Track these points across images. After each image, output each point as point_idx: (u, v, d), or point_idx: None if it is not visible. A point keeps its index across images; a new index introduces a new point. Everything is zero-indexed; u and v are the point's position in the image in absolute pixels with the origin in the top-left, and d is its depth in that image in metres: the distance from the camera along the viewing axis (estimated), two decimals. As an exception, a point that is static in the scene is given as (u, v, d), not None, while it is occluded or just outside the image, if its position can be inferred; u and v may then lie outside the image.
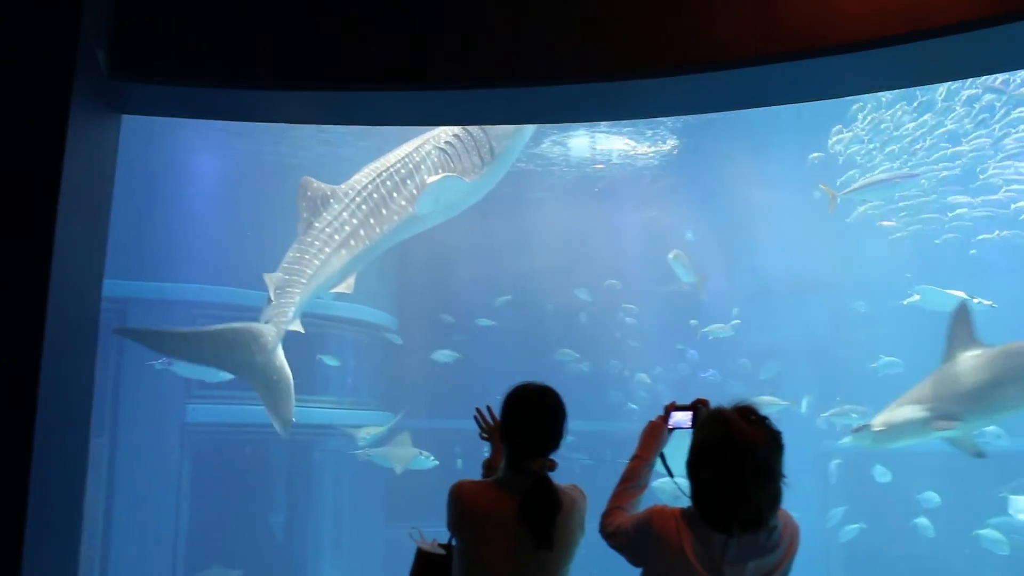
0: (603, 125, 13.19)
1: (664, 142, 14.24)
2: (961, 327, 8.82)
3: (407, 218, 10.67)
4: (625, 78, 4.87)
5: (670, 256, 12.86)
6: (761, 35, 4.60)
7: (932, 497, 12.25)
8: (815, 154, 13.31)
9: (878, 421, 8.86)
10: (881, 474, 12.45)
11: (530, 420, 3.34)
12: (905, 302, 12.15)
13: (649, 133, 13.87)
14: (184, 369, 11.39)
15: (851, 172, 13.06)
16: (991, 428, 10.21)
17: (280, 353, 10.12)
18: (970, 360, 8.54)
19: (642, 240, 14.45)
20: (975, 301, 10.72)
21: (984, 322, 9.02)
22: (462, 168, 10.63)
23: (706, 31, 4.64)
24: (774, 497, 2.89)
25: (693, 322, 14.67)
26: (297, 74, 4.99)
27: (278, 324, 10.13)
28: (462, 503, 3.32)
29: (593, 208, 15.13)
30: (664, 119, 13.20)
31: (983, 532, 11.47)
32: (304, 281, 10.32)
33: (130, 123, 5.34)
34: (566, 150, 14.27)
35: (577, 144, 14.11)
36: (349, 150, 13.73)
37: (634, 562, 3.13)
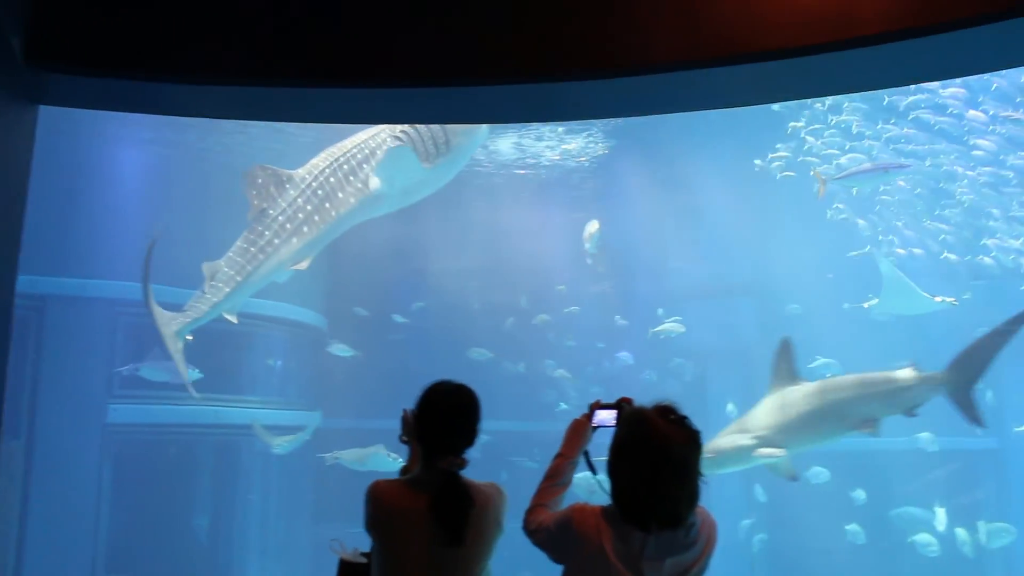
0: (534, 126, 13.25)
1: (597, 144, 14.36)
2: (784, 362, 9.52)
3: (362, 201, 10.85)
4: (553, 80, 4.89)
5: (591, 227, 12.83)
6: (685, 40, 4.66)
7: (860, 495, 12.53)
8: (759, 160, 13.58)
9: (708, 448, 9.13)
10: (816, 475, 12.65)
11: (440, 418, 3.36)
12: (866, 304, 12.42)
13: (584, 134, 13.98)
14: (155, 372, 11.67)
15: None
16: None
17: (181, 335, 10.88)
18: (792, 393, 9.29)
19: (572, 241, 14.56)
20: (937, 300, 11.18)
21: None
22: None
23: (631, 35, 4.69)
24: (692, 495, 2.93)
25: (622, 322, 14.79)
26: (221, 68, 4.89)
27: (187, 314, 10.88)
28: (376, 502, 3.34)
29: (524, 209, 15.19)
30: (597, 121, 13.33)
31: (917, 538, 11.81)
32: (250, 269, 10.71)
33: (51, 115, 5.17)
34: (493, 152, 14.33)
35: (505, 145, 14.17)
36: (281, 145, 13.56)
37: (556, 559, 3.15)
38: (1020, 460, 12.51)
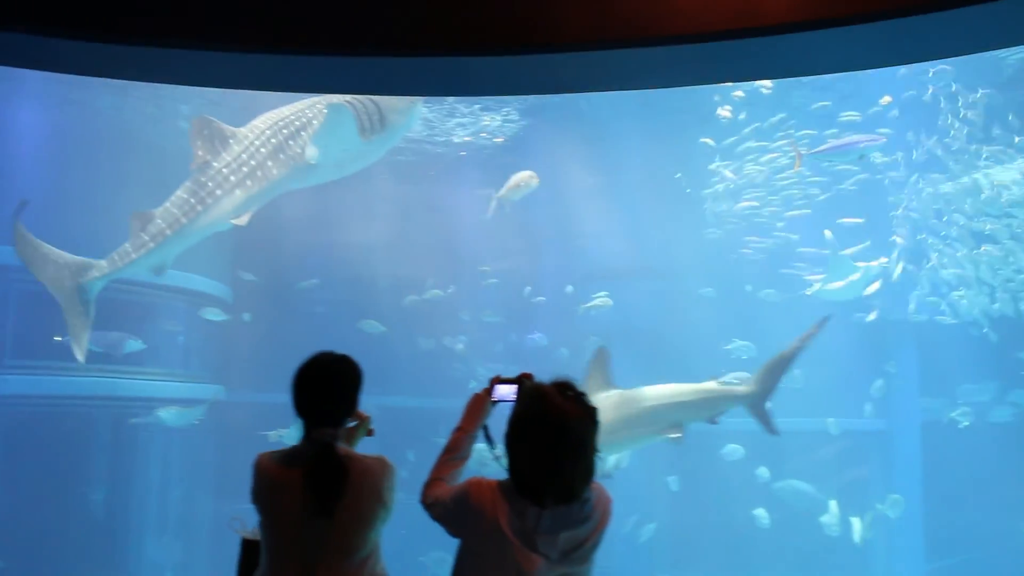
0: (446, 102, 13.16)
1: (513, 122, 14.34)
2: (598, 369, 9.86)
3: (298, 167, 11.06)
4: (463, 54, 4.87)
5: (528, 180, 12.63)
6: (595, 20, 4.69)
7: (764, 473, 12.86)
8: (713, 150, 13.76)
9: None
10: (732, 451, 12.91)
11: (309, 388, 3.39)
12: (809, 291, 12.71)
13: (503, 111, 13.94)
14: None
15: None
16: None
17: (94, 287, 10.66)
18: (605, 400, 9.55)
19: (481, 218, 14.59)
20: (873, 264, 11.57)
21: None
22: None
23: (542, 12, 4.69)
24: (587, 471, 2.97)
25: (540, 299, 14.77)
26: (117, 27, 4.70)
27: (112, 262, 10.74)
28: (257, 474, 3.37)
29: (433, 185, 15.10)
30: (513, 99, 13.31)
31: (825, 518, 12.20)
32: (184, 222, 10.77)
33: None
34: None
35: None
36: (155, 109, 13.17)
37: (452, 533, 3.17)
38: (904, 440, 13.15)
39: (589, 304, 14.16)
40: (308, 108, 11.25)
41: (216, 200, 10.88)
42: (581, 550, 2.98)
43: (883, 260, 12.13)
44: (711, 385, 9.53)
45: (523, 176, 12.40)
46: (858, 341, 13.20)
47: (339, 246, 14.64)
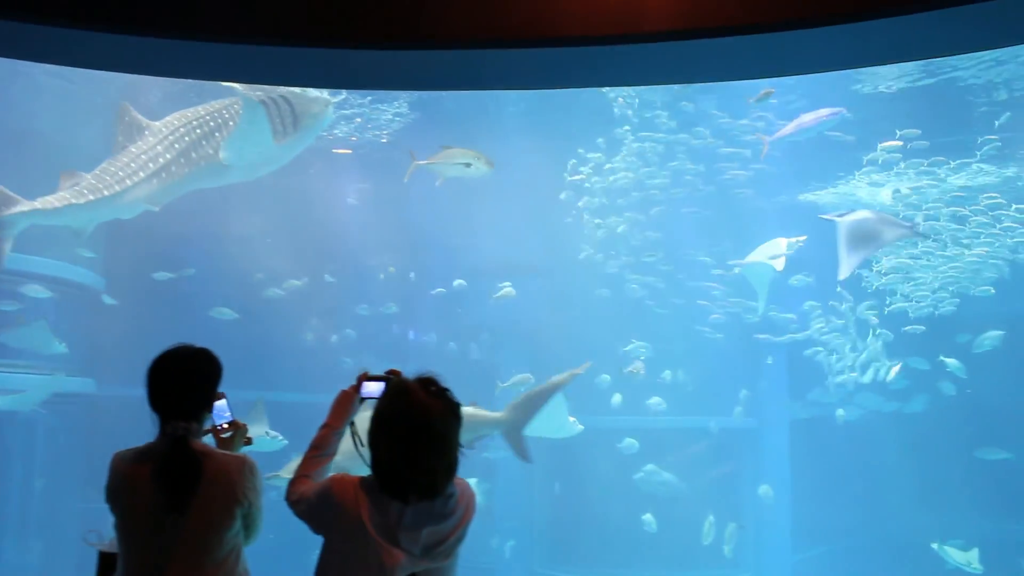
0: (340, 94, 12.94)
1: (404, 117, 14.22)
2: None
3: (213, 166, 11.22)
4: (347, 46, 4.81)
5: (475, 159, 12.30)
6: (481, 19, 4.70)
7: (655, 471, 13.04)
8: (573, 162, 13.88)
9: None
10: (628, 446, 13.02)
11: (165, 380, 3.32)
12: (737, 270, 12.88)
13: (394, 105, 13.79)
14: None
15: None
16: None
17: (16, 221, 10.74)
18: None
19: (363, 210, 14.42)
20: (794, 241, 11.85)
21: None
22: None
23: (428, 7, 4.67)
24: (450, 466, 2.97)
25: (439, 290, 14.59)
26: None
27: (38, 204, 10.79)
28: (111, 473, 3.29)
29: (317, 178, 14.81)
30: (403, 93, 13.20)
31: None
32: (107, 193, 10.92)
33: None
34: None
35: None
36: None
37: (316, 530, 3.12)
38: (772, 438, 13.70)
39: (498, 295, 14.01)
40: (224, 109, 11.34)
41: (134, 184, 11.05)
42: (444, 545, 2.97)
43: (802, 238, 12.34)
44: (469, 409, 9.47)
45: (465, 152, 11.94)
46: (734, 341, 13.63)
47: (219, 238, 14.21)
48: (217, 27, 4.79)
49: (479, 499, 3.17)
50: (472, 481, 3.19)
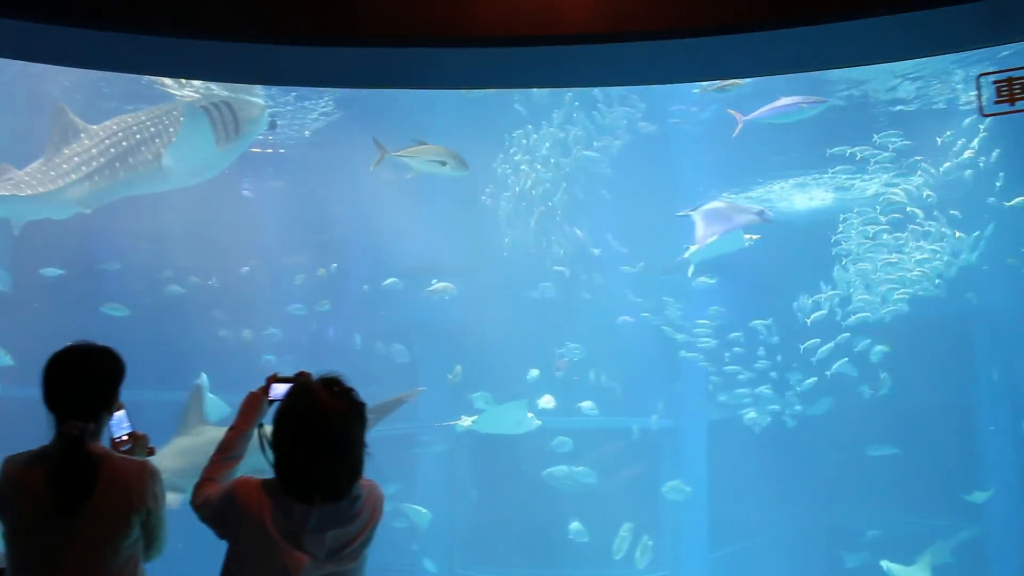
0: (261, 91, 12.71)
1: (330, 115, 14.01)
2: (194, 406, 9.91)
3: (151, 171, 11.14)
4: (265, 42, 4.73)
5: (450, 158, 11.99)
6: (399, 17, 4.67)
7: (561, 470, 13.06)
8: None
9: None
10: (561, 443, 13.01)
11: (61, 377, 3.18)
12: (687, 254, 12.89)
13: (321, 102, 13.57)
14: None
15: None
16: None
17: None
18: (196, 438, 9.45)
19: (283, 210, 14.15)
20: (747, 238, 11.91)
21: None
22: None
23: (346, 5, 4.62)
24: (354, 467, 2.92)
25: (367, 287, 14.38)
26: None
27: None
28: (1, 477, 3.11)
29: (238, 174, 14.48)
30: (330, 91, 13.00)
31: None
32: (40, 190, 10.84)
33: None
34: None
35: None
36: None
37: (220, 535, 3.03)
38: (690, 437, 13.92)
39: (432, 288, 13.79)
40: (164, 115, 11.32)
41: (66, 185, 10.99)
42: (350, 548, 2.93)
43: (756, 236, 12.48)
44: None
45: (440, 151, 11.63)
46: (655, 343, 13.81)
47: (133, 235, 13.79)
48: (133, 18, 4.67)
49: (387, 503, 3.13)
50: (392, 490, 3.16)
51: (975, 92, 5.48)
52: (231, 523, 2.97)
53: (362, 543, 2.97)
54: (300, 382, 3.02)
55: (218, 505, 3.02)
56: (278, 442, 2.92)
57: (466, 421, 12.55)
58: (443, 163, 11.27)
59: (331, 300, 14.46)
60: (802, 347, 13.34)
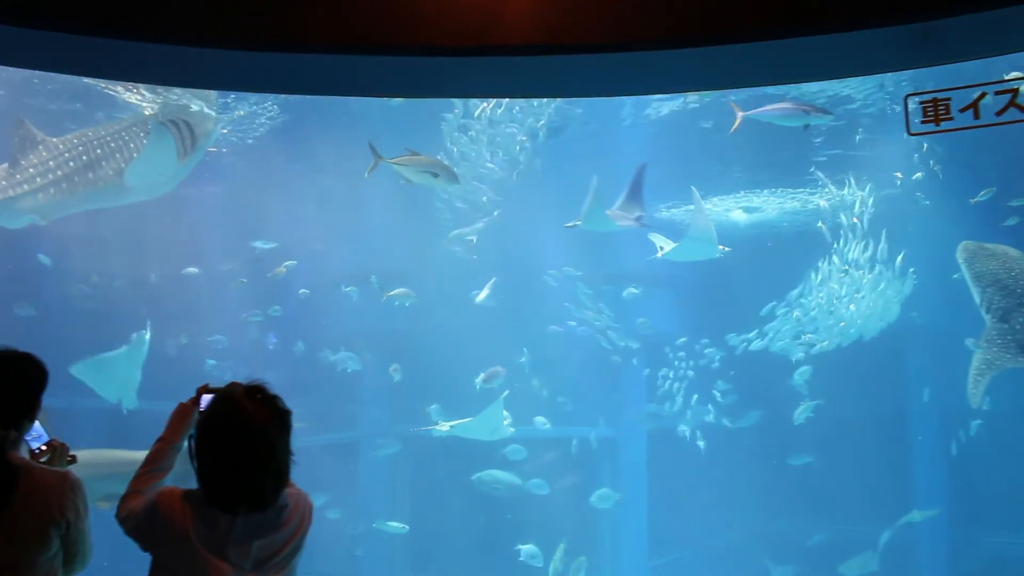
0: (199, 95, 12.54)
1: (272, 117, 13.84)
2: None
3: (112, 186, 11.35)
4: (207, 46, 4.68)
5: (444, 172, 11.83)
6: (337, 24, 4.65)
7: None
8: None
9: None
10: (514, 451, 12.89)
11: None
12: (659, 252, 12.84)
13: (265, 104, 13.41)
14: None
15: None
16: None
17: None
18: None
19: (217, 215, 13.95)
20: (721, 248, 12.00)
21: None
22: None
23: (282, 10, 4.59)
24: (278, 476, 2.89)
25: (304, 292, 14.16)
26: None
27: None
28: None
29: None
30: (270, 96, 12.88)
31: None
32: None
33: None
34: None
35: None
36: None
37: (144, 547, 2.97)
38: (629, 445, 14.04)
39: (392, 293, 13.61)
40: (124, 131, 11.56)
41: (21, 194, 11.18)
42: (277, 558, 2.90)
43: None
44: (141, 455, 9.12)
45: (433, 162, 11.50)
46: (593, 352, 13.89)
47: (68, 239, 13.46)
48: (75, 19, 4.59)
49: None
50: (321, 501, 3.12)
51: (903, 112, 5.65)
52: (155, 535, 2.92)
53: (290, 552, 2.95)
54: (222, 391, 2.98)
55: (142, 517, 2.97)
56: (200, 451, 2.89)
57: (444, 426, 12.53)
58: (435, 175, 11.28)
59: (273, 306, 14.25)
60: (738, 357, 13.61)
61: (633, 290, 13.45)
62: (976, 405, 7.85)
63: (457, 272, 13.71)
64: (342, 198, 13.46)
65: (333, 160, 13.61)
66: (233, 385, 3.12)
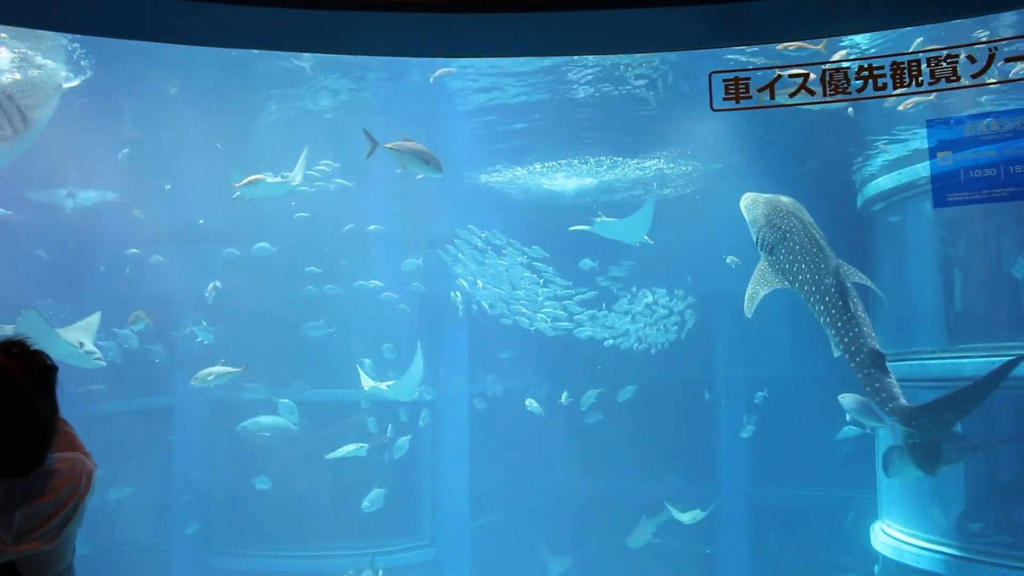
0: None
1: (82, 62, 12.83)
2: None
3: None
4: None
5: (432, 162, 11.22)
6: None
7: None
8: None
9: None
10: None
11: None
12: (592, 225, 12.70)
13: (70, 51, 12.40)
14: None
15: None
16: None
17: None
18: None
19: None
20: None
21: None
22: None
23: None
24: (39, 437, 2.67)
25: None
26: None
27: None
28: None
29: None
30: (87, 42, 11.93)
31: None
32: None
33: None
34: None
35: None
36: None
37: None
38: (450, 409, 14.20)
39: (326, 288, 13.15)
40: None
41: None
42: (45, 528, 2.65)
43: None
44: None
45: (425, 152, 10.95)
46: (413, 318, 13.86)
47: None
48: None
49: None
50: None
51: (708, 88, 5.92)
52: None
53: (60, 522, 2.66)
54: None
55: None
56: None
57: (383, 385, 12.76)
58: (427, 162, 11.15)
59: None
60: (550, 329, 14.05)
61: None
62: (749, 316, 9.01)
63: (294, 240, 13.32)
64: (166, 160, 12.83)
65: (147, 112, 12.83)
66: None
